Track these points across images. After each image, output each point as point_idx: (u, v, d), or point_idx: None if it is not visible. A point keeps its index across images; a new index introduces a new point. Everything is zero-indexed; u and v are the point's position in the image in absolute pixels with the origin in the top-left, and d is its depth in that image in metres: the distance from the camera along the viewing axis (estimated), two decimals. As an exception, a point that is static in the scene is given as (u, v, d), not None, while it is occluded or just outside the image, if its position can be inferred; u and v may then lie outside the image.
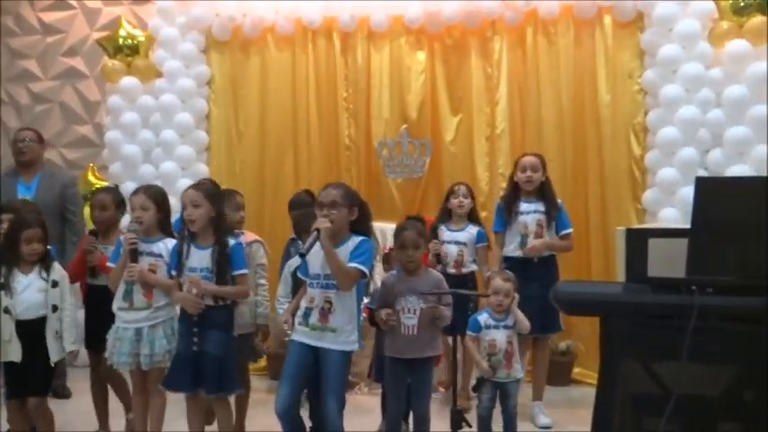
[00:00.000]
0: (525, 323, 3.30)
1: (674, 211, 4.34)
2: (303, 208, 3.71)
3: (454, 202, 4.09)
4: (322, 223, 2.70)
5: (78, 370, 4.29)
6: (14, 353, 3.05)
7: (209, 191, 3.05)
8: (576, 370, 4.68)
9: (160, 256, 3.14)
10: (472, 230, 4.11)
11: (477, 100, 4.90)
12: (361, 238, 2.80)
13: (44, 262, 3.17)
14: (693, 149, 4.37)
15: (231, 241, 3.03)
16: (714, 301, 2.04)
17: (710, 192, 2.09)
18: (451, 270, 4.01)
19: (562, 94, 4.80)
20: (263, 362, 4.95)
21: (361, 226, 2.87)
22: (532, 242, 3.86)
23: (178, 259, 3.02)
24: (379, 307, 3.04)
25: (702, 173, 4.36)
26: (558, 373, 4.61)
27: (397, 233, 3.10)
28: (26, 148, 4.13)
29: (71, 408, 4.08)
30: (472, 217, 4.17)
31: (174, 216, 4.47)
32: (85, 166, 5.41)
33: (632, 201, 4.68)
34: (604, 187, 4.73)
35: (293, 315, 2.97)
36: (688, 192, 4.06)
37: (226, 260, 2.96)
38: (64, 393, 4.30)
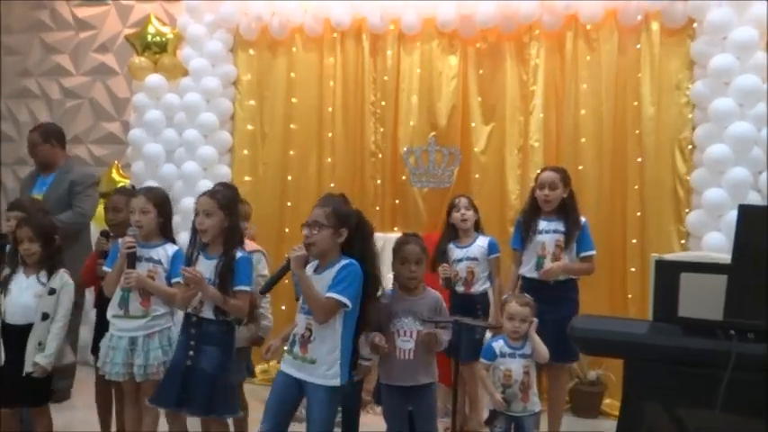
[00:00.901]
0: (544, 352, 3.03)
1: (720, 236, 3.99)
2: None
3: (456, 215, 3.84)
4: (294, 252, 2.49)
5: (90, 368, 4.24)
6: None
7: (224, 199, 2.84)
8: (607, 401, 4.35)
9: (159, 262, 3.00)
10: (482, 242, 3.85)
11: (510, 108, 4.63)
12: (346, 261, 2.54)
13: (48, 266, 3.06)
14: (745, 169, 4.01)
15: (239, 254, 2.83)
16: (754, 350, 1.76)
17: (756, 222, 1.82)
18: (460, 289, 3.76)
19: (602, 105, 4.48)
20: (273, 372, 4.80)
21: (357, 247, 2.60)
22: (549, 264, 3.55)
23: (186, 266, 2.84)
24: (372, 328, 2.79)
25: (755, 196, 4.00)
26: (587, 403, 4.33)
27: (398, 247, 2.87)
28: (33, 152, 4.12)
29: (75, 410, 3.98)
30: (478, 228, 3.92)
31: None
32: (111, 163, 5.37)
33: (675, 222, 4.33)
34: (645, 207, 4.38)
35: (283, 341, 2.76)
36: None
37: (230, 273, 2.77)
38: (62, 396, 4.17)
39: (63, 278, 3.07)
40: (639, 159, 4.39)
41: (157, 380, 2.98)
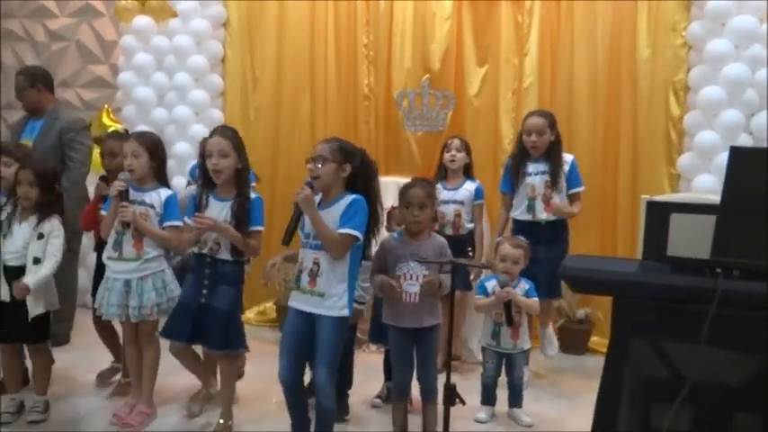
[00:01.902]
0: (532, 309, 3.14)
1: (710, 178, 4.03)
2: None
3: (446, 156, 3.88)
4: (299, 195, 2.52)
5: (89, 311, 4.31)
6: (4, 292, 2.99)
7: (236, 140, 2.89)
8: (594, 339, 4.49)
9: (152, 206, 3.02)
10: (470, 187, 3.90)
11: (505, 50, 4.58)
12: (353, 196, 2.59)
13: (42, 212, 3.06)
14: (738, 112, 4.02)
15: (252, 195, 2.90)
16: (740, 287, 1.81)
17: (746, 164, 1.84)
18: (449, 231, 3.81)
19: (597, 47, 4.45)
20: (273, 313, 4.90)
21: (361, 185, 2.64)
22: (541, 204, 3.62)
23: (196, 209, 2.89)
24: (376, 271, 2.86)
25: (746, 138, 4.03)
26: (575, 341, 4.46)
27: (404, 191, 2.89)
28: (19, 96, 4.01)
29: (75, 349, 4.06)
30: (468, 172, 3.94)
31: (190, 163, 4.36)
32: (100, 107, 5.30)
33: (666, 165, 4.37)
34: (637, 149, 4.41)
35: (285, 260, 2.80)
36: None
37: (245, 214, 2.84)
38: (64, 340, 4.26)
39: (53, 223, 3.07)
40: (633, 101, 4.38)
41: (155, 320, 3.07)
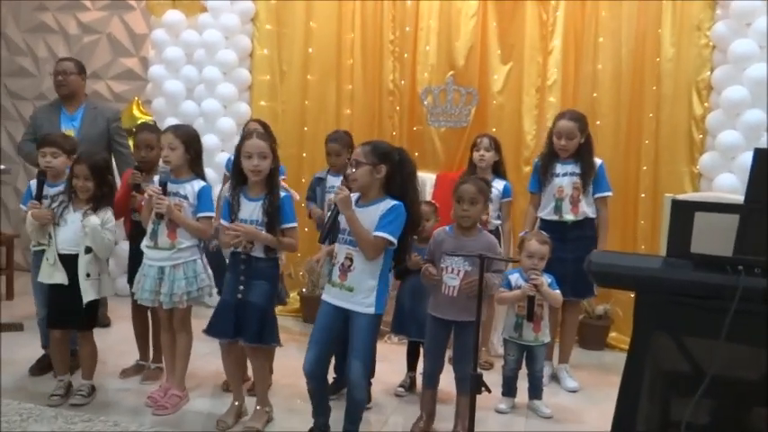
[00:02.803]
0: (556, 300, 3.21)
1: (732, 178, 4.07)
2: (339, 143, 3.81)
3: (476, 155, 3.92)
4: (337, 195, 2.61)
5: (121, 299, 4.44)
6: (60, 276, 3.12)
7: (273, 144, 2.98)
8: (612, 335, 4.55)
9: (185, 197, 3.12)
10: (498, 185, 3.94)
11: (529, 48, 4.64)
12: (394, 202, 2.64)
13: (96, 203, 3.17)
14: (761, 111, 4.05)
15: (282, 193, 2.97)
16: (761, 284, 1.87)
17: (770, 165, 1.90)
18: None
19: (621, 45, 4.50)
20: (296, 304, 5.00)
21: (397, 184, 2.67)
22: (568, 205, 3.66)
23: (230, 210, 2.97)
24: (426, 261, 2.95)
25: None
26: (594, 337, 4.51)
27: (456, 186, 2.96)
28: (66, 80, 4.08)
29: (110, 336, 4.19)
30: (498, 170, 4.00)
31: (221, 156, 4.46)
32: (131, 99, 5.41)
33: (688, 163, 4.40)
34: (659, 148, 4.46)
35: (328, 254, 2.89)
36: (750, 157, 3.77)
37: (276, 212, 2.91)
38: (103, 322, 4.41)
39: (106, 215, 3.19)
40: (656, 100, 4.42)
41: (188, 307, 3.18)
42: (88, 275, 3.14)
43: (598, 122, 4.50)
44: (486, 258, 2.49)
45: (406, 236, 2.72)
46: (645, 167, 4.49)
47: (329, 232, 2.72)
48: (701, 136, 4.37)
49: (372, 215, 2.64)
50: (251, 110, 5.10)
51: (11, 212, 6.06)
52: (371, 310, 2.65)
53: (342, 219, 2.68)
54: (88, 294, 3.14)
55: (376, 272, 2.66)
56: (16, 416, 2.51)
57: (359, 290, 2.65)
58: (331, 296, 2.73)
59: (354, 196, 2.70)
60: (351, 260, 2.66)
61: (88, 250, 3.14)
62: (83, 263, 3.13)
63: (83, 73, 4.19)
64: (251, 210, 2.93)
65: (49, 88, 5.85)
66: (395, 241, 2.62)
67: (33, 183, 3.35)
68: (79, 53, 5.70)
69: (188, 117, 4.92)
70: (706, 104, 4.34)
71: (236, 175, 2.95)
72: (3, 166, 4.24)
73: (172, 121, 4.76)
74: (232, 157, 3.66)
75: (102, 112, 4.18)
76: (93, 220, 3.13)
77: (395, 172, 2.67)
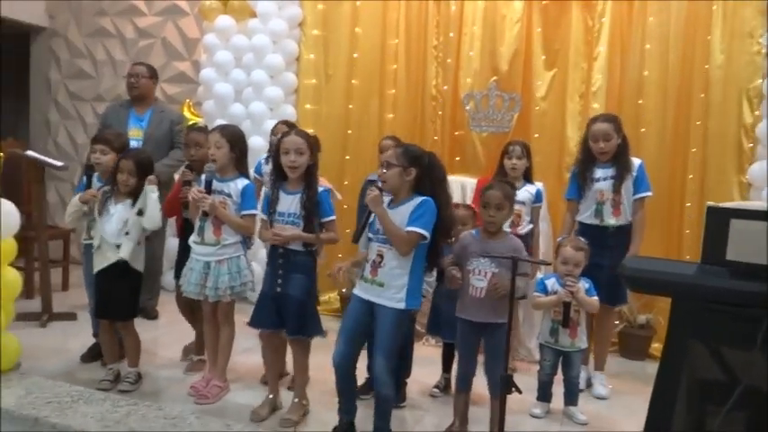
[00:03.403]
0: (592, 307, 3.20)
1: (782, 188, 3.97)
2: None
3: (507, 162, 3.92)
4: (368, 196, 2.69)
5: (170, 293, 4.60)
6: (113, 255, 3.27)
7: (312, 140, 3.08)
8: (654, 345, 4.46)
9: (229, 195, 3.24)
10: (531, 189, 3.95)
11: (574, 54, 4.62)
12: (422, 198, 2.70)
13: (136, 196, 3.34)
14: (814, 121, 3.94)
15: (319, 188, 3.05)
16: (798, 293, 1.85)
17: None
18: (507, 230, 3.86)
19: (669, 51, 4.43)
20: (336, 303, 5.09)
21: (427, 187, 2.73)
22: (609, 209, 3.63)
23: (268, 204, 3.07)
24: (451, 263, 2.99)
25: (821, 148, 3.94)
26: (636, 346, 4.45)
27: (483, 191, 3.00)
28: (138, 83, 4.34)
29: (158, 329, 4.37)
30: (528, 176, 4.00)
31: (261, 157, 4.60)
32: (182, 101, 5.61)
33: (736, 173, 4.31)
34: (707, 156, 4.37)
35: (352, 264, 2.96)
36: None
37: (314, 206, 2.99)
38: (152, 315, 4.60)
39: (145, 195, 3.35)
40: (705, 108, 4.35)
41: (232, 300, 3.29)
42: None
43: (643, 129, 4.45)
44: (518, 260, 2.50)
45: (438, 239, 2.75)
46: (691, 176, 4.41)
47: (361, 232, 2.78)
48: (750, 145, 4.26)
49: (403, 214, 2.70)
50: (296, 112, 5.22)
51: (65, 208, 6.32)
52: (401, 306, 2.70)
53: (373, 217, 2.75)
54: (126, 253, 3.28)
55: (406, 268, 2.70)
56: (67, 397, 2.66)
57: (389, 285, 2.70)
58: (361, 291, 2.80)
59: (387, 199, 2.75)
60: (381, 257, 2.72)
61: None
62: (125, 243, 3.28)
63: (154, 77, 4.45)
64: (289, 203, 3.02)
65: (107, 89, 6.17)
66: (427, 235, 2.66)
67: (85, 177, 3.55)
68: (135, 56, 5.95)
69: (236, 119, 5.07)
70: (756, 113, 4.24)
71: (277, 170, 3.05)
72: (61, 163, 4.46)
73: (221, 122, 4.91)
74: (262, 161, 3.78)
75: (168, 115, 4.43)
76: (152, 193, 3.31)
77: (424, 175, 2.72)
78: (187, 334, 3.90)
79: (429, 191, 2.73)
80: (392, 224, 2.67)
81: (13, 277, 2.95)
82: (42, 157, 4.33)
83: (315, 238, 3.01)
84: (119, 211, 3.33)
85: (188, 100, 5.57)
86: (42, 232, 4.36)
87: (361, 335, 2.82)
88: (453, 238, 3.06)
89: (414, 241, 2.68)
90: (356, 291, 2.84)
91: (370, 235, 2.80)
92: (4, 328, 2.91)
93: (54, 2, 6.36)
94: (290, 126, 3.99)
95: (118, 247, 3.30)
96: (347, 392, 2.90)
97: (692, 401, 2.17)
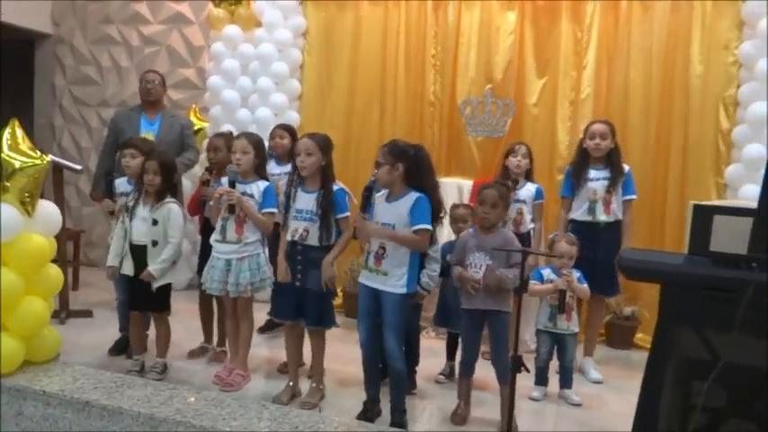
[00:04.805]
0: (584, 294, 3.51)
1: (755, 188, 4.29)
2: None
3: (513, 160, 4.20)
4: (357, 231, 3.10)
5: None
6: (128, 268, 3.51)
7: (321, 141, 3.31)
8: (639, 335, 4.78)
9: (252, 196, 3.47)
10: (531, 188, 4.25)
11: (564, 63, 4.93)
12: (417, 195, 3.00)
13: (160, 198, 3.54)
14: (785, 126, 4.29)
15: (335, 187, 3.30)
16: (772, 279, 2.14)
17: (781, 174, 2.16)
18: (511, 229, 4.12)
19: (652, 62, 4.76)
20: (338, 300, 5.32)
21: (415, 179, 3.03)
22: (601, 207, 3.98)
23: (286, 200, 3.33)
24: (455, 263, 3.26)
25: (791, 151, 4.29)
26: (621, 336, 4.76)
27: (480, 190, 3.28)
28: (153, 89, 4.56)
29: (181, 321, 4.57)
30: (529, 176, 4.29)
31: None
32: (188, 106, 5.82)
33: (714, 174, 4.65)
34: (687, 159, 4.71)
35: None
36: (773, 169, 4.01)
37: (330, 204, 3.25)
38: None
39: (170, 209, 3.54)
40: (685, 114, 4.68)
41: (251, 297, 3.53)
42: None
43: (628, 134, 4.76)
44: (528, 253, 2.79)
45: (432, 222, 3.07)
46: (673, 177, 4.74)
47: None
48: (726, 149, 4.61)
49: (401, 208, 3.01)
50: (300, 118, 5.46)
51: (72, 210, 6.49)
52: (403, 291, 3.04)
53: (379, 213, 3.07)
54: (158, 280, 3.50)
55: (406, 257, 3.03)
56: (111, 383, 2.87)
57: (392, 274, 3.03)
58: (367, 279, 3.12)
59: (383, 194, 3.08)
60: (384, 248, 3.04)
61: (154, 244, 3.51)
62: (151, 254, 3.50)
63: (164, 85, 4.66)
64: (306, 201, 3.28)
65: (112, 95, 6.35)
66: (431, 228, 3.01)
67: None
68: (140, 63, 6.15)
69: (242, 124, 5.29)
70: (732, 119, 4.59)
71: (295, 170, 3.33)
72: (80, 167, 4.66)
73: (228, 127, 5.13)
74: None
75: (178, 120, 4.65)
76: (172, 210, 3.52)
77: (411, 166, 3.03)
78: (200, 330, 4.13)
79: (417, 180, 3.03)
80: (402, 237, 2.98)
81: (56, 273, 3.16)
82: (63, 161, 4.53)
83: (340, 250, 3.30)
84: (145, 214, 3.54)
85: (194, 105, 5.81)
86: (62, 232, 4.54)
87: (376, 314, 3.12)
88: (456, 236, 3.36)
89: (426, 237, 3.00)
90: (362, 279, 3.14)
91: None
92: (46, 320, 3.11)
93: (59, 9, 6.51)
94: (287, 130, 4.28)
95: (144, 247, 3.51)
96: (372, 367, 3.20)
97: (681, 378, 2.46)
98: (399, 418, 3.10)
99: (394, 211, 3.02)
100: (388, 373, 3.18)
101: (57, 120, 6.64)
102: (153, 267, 3.47)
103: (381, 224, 3.04)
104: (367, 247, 3.11)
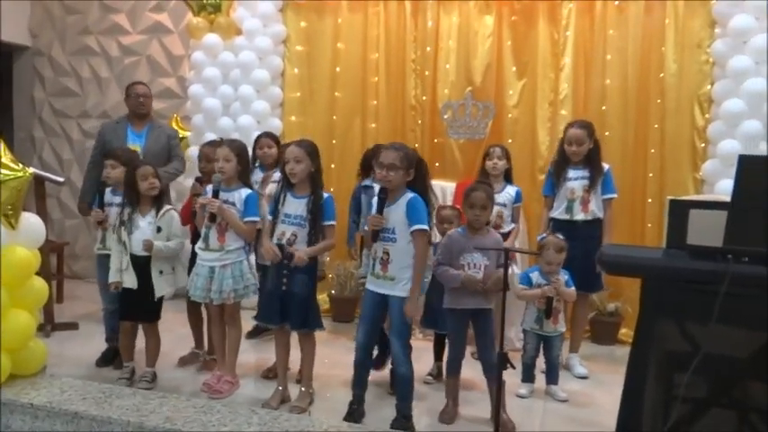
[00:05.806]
0: (573, 296, 3.56)
1: (731, 183, 4.36)
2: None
3: (489, 163, 4.27)
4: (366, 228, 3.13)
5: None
6: (131, 281, 3.52)
7: (309, 148, 3.34)
8: (623, 331, 4.85)
9: (233, 204, 3.49)
10: (511, 191, 4.30)
11: (542, 65, 5.01)
12: (411, 195, 3.07)
13: (157, 205, 3.59)
14: (758, 122, 4.38)
15: (324, 194, 3.34)
16: (747, 270, 2.20)
17: (752, 169, 2.25)
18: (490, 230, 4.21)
19: (628, 62, 4.86)
20: (326, 305, 5.35)
21: (418, 183, 3.13)
22: (579, 206, 4.06)
23: (275, 205, 3.35)
24: (444, 262, 3.28)
25: (765, 146, 4.38)
26: (605, 332, 4.82)
27: (468, 193, 3.32)
28: (145, 102, 4.58)
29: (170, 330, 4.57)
30: (508, 177, 4.35)
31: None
32: (169, 116, 5.82)
33: (691, 170, 4.75)
34: (664, 156, 4.81)
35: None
36: (747, 164, 4.10)
37: (319, 210, 3.28)
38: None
39: (171, 215, 3.63)
40: (661, 112, 4.78)
41: (237, 303, 3.54)
42: (161, 273, 3.54)
43: (607, 133, 4.84)
44: (510, 251, 2.83)
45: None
46: (651, 174, 4.83)
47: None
48: (702, 145, 4.71)
49: (399, 208, 3.07)
50: (282, 125, 5.48)
51: (54, 222, 6.44)
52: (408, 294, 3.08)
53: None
54: (161, 289, 3.54)
55: (409, 260, 3.07)
56: (100, 393, 2.87)
57: (399, 278, 3.08)
58: (375, 285, 3.16)
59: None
60: (388, 254, 3.09)
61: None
62: (156, 261, 3.52)
63: (151, 95, 4.68)
64: (296, 206, 3.31)
65: (93, 106, 6.32)
66: (428, 229, 3.07)
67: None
68: (120, 74, 6.14)
69: (224, 132, 5.29)
70: (707, 116, 4.69)
71: (284, 176, 3.35)
72: (61, 179, 4.65)
73: (210, 135, 5.15)
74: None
75: (164, 130, 4.67)
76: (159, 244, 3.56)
77: (417, 172, 3.14)
78: (186, 339, 4.13)
79: (420, 183, 3.14)
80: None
81: (41, 285, 3.15)
82: (45, 174, 4.51)
83: (320, 250, 3.33)
84: (147, 223, 3.56)
85: (175, 115, 5.81)
86: (45, 245, 4.51)
87: (377, 320, 3.20)
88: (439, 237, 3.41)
89: (425, 237, 3.07)
90: (369, 286, 3.18)
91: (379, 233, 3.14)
92: (32, 333, 3.10)
93: (37, 21, 6.48)
94: (272, 138, 4.32)
95: (146, 259, 3.53)
96: (363, 369, 3.24)
97: (662, 369, 2.52)
98: (403, 424, 3.14)
99: (394, 212, 3.09)
100: (395, 375, 3.24)
101: (37, 132, 6.59)
102: (156, 243, 3.51)
103: (383, 229, 3.09)
104: (373, 253, 3.16)
